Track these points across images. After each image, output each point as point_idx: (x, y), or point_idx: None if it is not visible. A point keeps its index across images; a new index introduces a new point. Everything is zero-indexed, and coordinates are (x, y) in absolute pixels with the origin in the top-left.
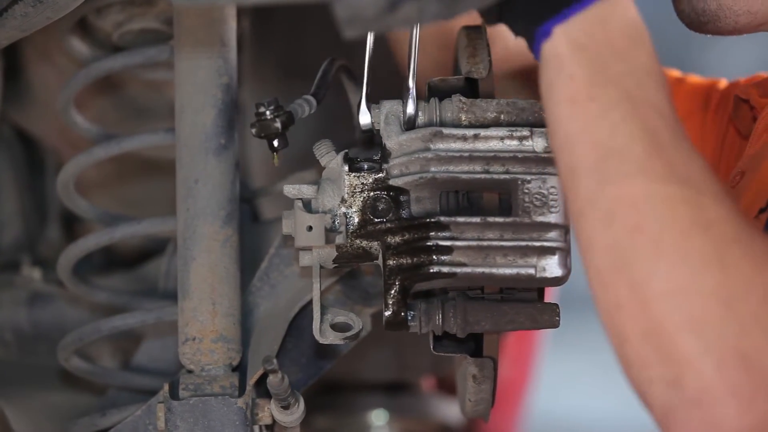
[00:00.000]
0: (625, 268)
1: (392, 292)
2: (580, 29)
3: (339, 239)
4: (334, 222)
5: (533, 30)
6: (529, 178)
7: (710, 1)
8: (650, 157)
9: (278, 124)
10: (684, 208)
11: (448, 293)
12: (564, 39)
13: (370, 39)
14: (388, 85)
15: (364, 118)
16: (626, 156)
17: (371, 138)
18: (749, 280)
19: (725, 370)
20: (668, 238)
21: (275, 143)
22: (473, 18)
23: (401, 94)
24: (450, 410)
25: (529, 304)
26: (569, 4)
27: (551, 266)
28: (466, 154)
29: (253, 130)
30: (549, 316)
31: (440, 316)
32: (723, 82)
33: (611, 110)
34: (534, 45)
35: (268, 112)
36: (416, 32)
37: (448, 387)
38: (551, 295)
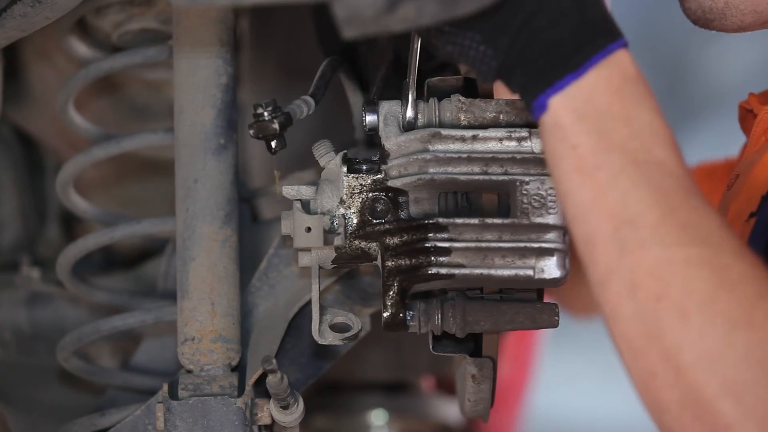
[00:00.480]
0: (654, 338)
1: (391, 293)
2: (578, 98)
3: (337, 240)
4: (332, 223)
5: (530, 102)
6: (527, 179)
7: None
8: (665, 222)
9: (276, 125)
10: (705, 270)
11: (447, 293)
12: (563, 110)
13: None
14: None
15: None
16: (640, 223)
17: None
18: None
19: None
20: (693, 303)
21: (273, 144)
22: None
23: (400, 95)
24: (449, 410)
25: (529, 304)
26: (562, 75)
27: (550, 267)
28: (465, 155)
29: (251, 132)
30: (548, 316)
31: (439, 316)
32: (733, 159)
33: (619, 177)
34: (534, 114)
35: (265, 113)
36: (415, 33)
37: (447, 387)
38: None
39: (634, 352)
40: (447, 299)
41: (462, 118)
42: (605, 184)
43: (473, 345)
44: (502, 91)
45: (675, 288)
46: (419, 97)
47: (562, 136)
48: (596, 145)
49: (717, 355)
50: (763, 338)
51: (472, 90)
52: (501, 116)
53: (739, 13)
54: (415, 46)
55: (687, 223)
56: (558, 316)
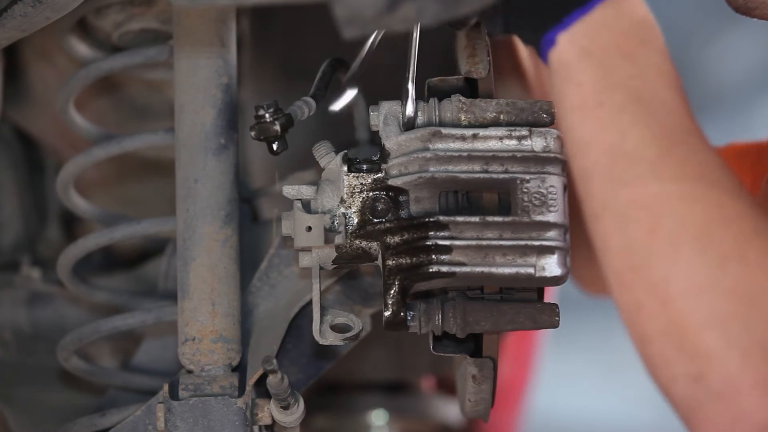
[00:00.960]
0: (642, 269)
1: (391, 292)
2: (584, 35)
3: (338, 239)
4: (333, 222)
5: (539, 39)
6: (528, 177)
7: None
8: (662, 158)
9: (277, 127)
10: (700, 206)
11: (447, 293)
12: (569, 46)
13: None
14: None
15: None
16: (638, 158)
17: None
18: None
19: (750, 363)
20: (685, 236)
21: (274, 146)
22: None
23: (401, 95)
24: (450, 410)
25: (529, 304)
26: (569, 11)
27: (550, 265)
28: (465, 154)
29: (252, 133)
30: (549, 316)
31: (440, 316)
32: (737, 146)
33: (620, 114)
34: (542, 53)
35: (267, 115)
36: (416, 32)
37: (447, 387)
38: (551, 294)
39: (622, 284)
40: (447, 299)
41: (462, 118)
42: (606, 121)
43: (474, 345)
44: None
45: (668, 221)
46: (419, 97)
47: (567, 74)
48: (600, 83)
49: (705, 287)
50: (754, 273)
51: (472, 90)
52: (501, 116)
53: None
54: (414, 45)
55: (685, 160)
56: (558, 317)
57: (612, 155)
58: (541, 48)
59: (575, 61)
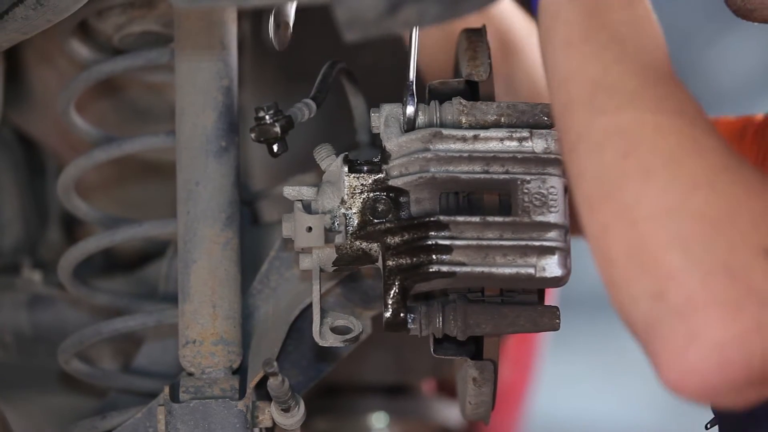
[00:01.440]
0: (613, 192)
1: (392, 292)
2: None
3: (338, 239)
4: (333, 222)
5: None
6: (528, 178)
7: None
8: (642, 90)
9: (278, 129)
10: (675, 136)
11: (448, 296)
12: None
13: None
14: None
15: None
16: (618, 89)
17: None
18: (739, 203)
19: (710, 282)
20: (658, 162)
21: (275, 148)
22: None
23: (402, 97)
24: (450, 413)
25: (530, 306)
26: None
27: (551, 266)
28: (466, 155)
29: (253, 135)
30: (549, 319)
31: (440, 318)
32: (759, 116)
33: (605, 51)
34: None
35: (267, 117)
36: (416, 35)
37: (448, 390)
38: (551, 297)
39: (592, 208)
40: (448, 302)
41: (463, 121)
42: (590, 55)
43: (474, 348)
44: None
45: (643, 147)
46: (420, 100)
47: (557, 12)
48: (588, 22)
49: (672, 210)
50: (722, 201)
51: (473, 93)
52: (502, 119)
53: None
54: (414, 46)
55: (664, 95)
56: (559, 319)
57: (593, 87)
58: None
59: (566, 1)
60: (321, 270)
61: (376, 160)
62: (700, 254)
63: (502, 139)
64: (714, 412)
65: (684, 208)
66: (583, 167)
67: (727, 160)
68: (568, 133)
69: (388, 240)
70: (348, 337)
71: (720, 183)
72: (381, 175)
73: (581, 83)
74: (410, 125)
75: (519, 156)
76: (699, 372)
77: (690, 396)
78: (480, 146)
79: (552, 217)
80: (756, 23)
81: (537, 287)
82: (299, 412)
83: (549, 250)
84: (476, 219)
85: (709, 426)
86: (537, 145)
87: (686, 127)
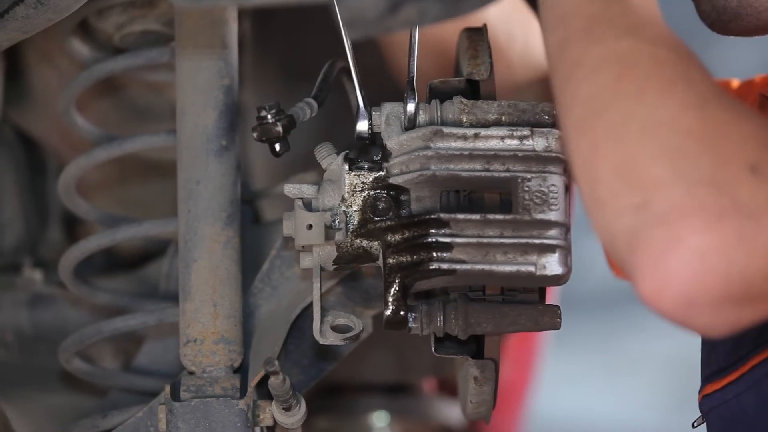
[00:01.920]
0: (604, 111)
1: (392, 290)
2: None
3: (338, 236)
4: (334, 220)
5: None
6: (529, 176)
7: None
8: (642, 26)
9: (280, 128)
10: (670, 66)
11: (449, 295)
12: None
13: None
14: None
15: (361, 124)
16: (617, 22)
17: (366, 145)
18: (727, 124)
19: (695, 192)
20: (651, 84)
21: (277, 147)
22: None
23: (402, 97)
24: (451, 412)
25: (531, 305)
26: None
27: (551, 264)
28: (467, 153)
29: (255, 134)
30: (550, 318)
31: (441, 317)
32: (735, 82)
33: None
34: None
35: (269, 116)
36: (416, 34)
37: (449, 389)
38: (552, 296)
39: (582, 128)
40: (449, 301)
41: (464, 120)
42: None
43: (475, 347)
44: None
45: (637, 71)
46: (421, 99)
47: None
48: None
49: (661, 126)
50: (711, 122)
51: (474, 92)
52: (503, 118)
53: (755, 11)
54: (415, 45)
55: (663, 33)
56: (560, 318)
57: (592, 20)
58: None
59: None
60: (321, 268)
61: (376, 158)
62: (687, 167)
63: (502, 138)
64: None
65: (673, 124)
66: (576, 92)
67: (718, 91)
68: (564, 64)
69: (389, 238)
70: (348, 335)
71: (710, 106)
72: (382, 173)
73: (581, 18)
74: (411, 124)
75: (520, 154)
76: (677, 279)
77: (668, 309)
78: (481, 144)
79: (552, 215)
80: (733, 36)
81: (537, 285)
82: (300, 410)
83: (549, 248)
84: (477, 217)
85: (695, 424)
86: (538, 143)
87: (681, 61)
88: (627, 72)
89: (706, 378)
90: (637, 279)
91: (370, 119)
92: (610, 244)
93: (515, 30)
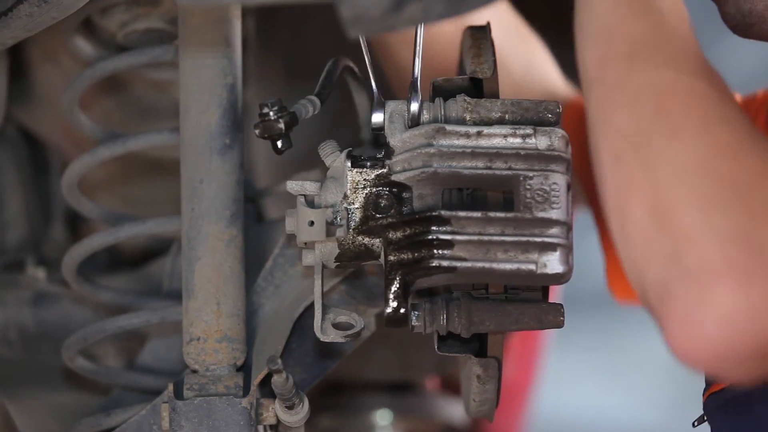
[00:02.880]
0: (641, 148)
1: (393, 287)
2: None
3: (340, 232)
4: (335, 216)
5: None
6: (531, 174)
7: (757, 1)
8: (683, 54)
9: (282, 125)
10: (708, 102)
11: (452, 293)
12: None
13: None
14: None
15: (376, 116)
16: (661, 50)
17: (377, 139)
18: (761, 173)
19: (727, 248)
20: (689, 123)
21: (279, 144)
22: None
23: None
24: (454, 410)
25: (534, 304)
26: None
27: (552, 262)
28: (469, 150)
29: (257, 131)
30: (554, 317)
31: (444, 316)
32: (760, 92)
33: (652, 11)
34: None
35: (271, 113)
36: (421, 32)
37: (452, 387)
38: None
39: (617, 161)
40: (452, 299)
41: (467, 118)
42: (638, 12)
43: (478, 345)
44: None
45: (675, 106)
46: (424, 97)
47: None
48: None
49: (697, 172)
50: (745, 169)
51: (477, 90)
52: (506, 116)
53: None
54: (419, 45)
55: (703, 64)
56: (563, 317)
57: (636, 44)
58: None
59: None
60: (323, 266)
61: (379, 156)
62: (719, 219)
63: (505, 136)
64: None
65: (707, 170)
66: (613, 120)
67: (752, 133)
68: (603, 86)
69: (390, 235)
70: (349, 332)
71: (744, 152)
72: (384, 170)
73: (622, 39)
74: (414, 122)
75: (522, 152)
76: (707, 338)
77: (696, 363)
78: (483, 142)
79: (554, 214)
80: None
81: (538, 284)
82: (303, 409)
83: (550, 247)
84: (478, 214)
85: (696, 424)
86: (540, 141)
87: (717, 96)
88: (665, 106)
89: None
90: (665, 329)
91: (384, 111)
92: (637, 285)
93: (515, 52)
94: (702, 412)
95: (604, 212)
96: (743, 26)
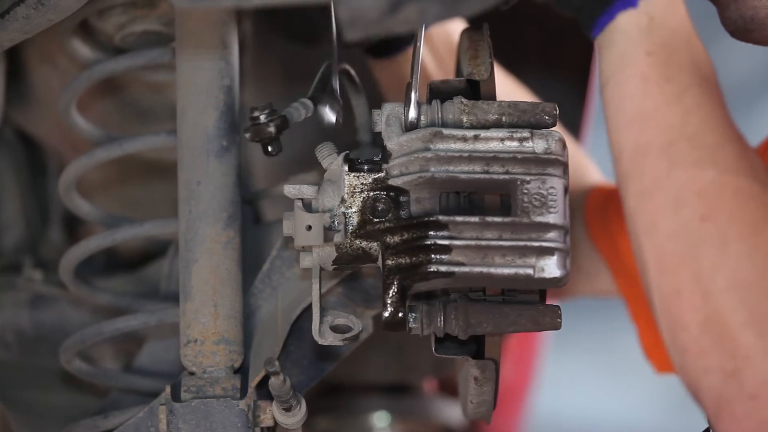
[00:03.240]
0: (690, 257)
1: (391, 291)
2: (659, 7)
3: (337, 238)
4: (333, 221)
5: (598, 16)
6: (528, 178)
7: (760, 9)
8: (722, 147)
9: (272, 129)
10: (753, 203)
11: (449, 295)
12: (637, 18)
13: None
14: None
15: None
16: (698, 143)
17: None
18: None
19: None
20: (736, 230)
21: (269, 148)
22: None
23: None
24: (452, 412)
25: (531, 306)
26: None
27: (550, 267)
28: (466, 155)
29: (248, 135)
30: (551, 318)
31: (442, 318)
32: None
33: (685, 95)
34: (610, 12)
35: (262, 117)
36: (421, 34)
37: (449, 389)
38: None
39: (664, 268)
40: (449, 301)
41: (464, 120)
42: (671, 98)
43: (476, 347)
44: None
45: (721, 212)
46: (421, 99)
47: (634, 43)
48: (668, 59)
49: (750, 286)
50: None
51: (474, 92)
52: (503, 118)
53: None
54: (418, 47)
55: (741, 154)
56: (560, 318)
57: (672, 135)
58: (615, 7)
59: (644, 32)
60: (321, 269)
61: (376, 159)
62: None
63: (502, 139)
64: None
65: (761, 285)
66: (658, 222)
67: None
68: (642, 179)
69: (388, 239)
70: (348, 335)
71: None
72: (381, 174)
73: (659, 128)
74: (411, 125)
75: (519, 156)
76: None
77: None
78: (480, 146)
79: (551, 218)
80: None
81: (535, 288)
82: (301, 411)
83: (548, 251)
84: (475, 219)
85: None
86: (538, 145)
87: (761, 192)
88: (711, 212)
89: None
90: None
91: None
92: (692, 390)
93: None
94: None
95: (632, 295)
96: (743, 31)
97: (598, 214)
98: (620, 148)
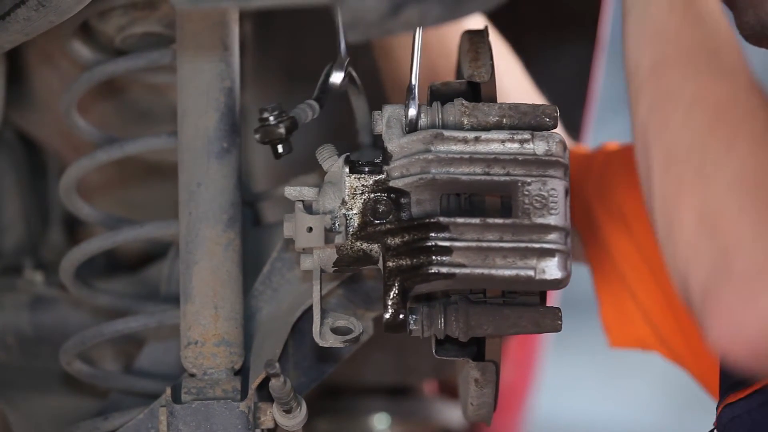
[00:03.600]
0: (695, 155)
1: (391, 293)
2: None
3: (338, 239)
4: (334, 223)
5: None
6: (529, 180)
7: None
8: (738, 67)
9: (282, 130)
10: (762, 118)
11: (450, 297)
12: None
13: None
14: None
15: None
16: (718, 57)
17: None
18: None
19: None
20: (744, 137)
21: (279, 149)
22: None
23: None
24: (452, 414)
25: (532, 308)
26: None
27: (551, 268)
28: (467, 156)
29: (257, 136)
30: (551, 320)
31: (442, 319)
32: (612, 145)
33: (704, 20)
34: None
35: (271, 118)
36: (419, 36)
37: (450, 391)
38: (553, 298)
39: (669, 165)
40: (450, 303)
41: (465, 122)
42: (688, 21)
43: (476, 349)
44: None
45: (732, 119)
46: (422, 101)
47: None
48: None
49: (749, 181)
50: None
51: (475, 94)
52: (504, 120)
53: None
54: (417, 48)
55: (756, 81)
56: (561, 321)
57: (692, 50)
58: None
59: None
60: (322, 271)
61: (377, 161)
62: None
63: (503, 141)
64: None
65: (762, 181)
66: (669, 124)
67: None
68: (657, 89)
69: (389, 241)
70: (348, 337)
71: None
72: (382, 176)
73: (679, 44)
74: (412, 126)
75: (520, 158)
76: (748, 335)
77: (736, 358)
78: (481, 148)
79: (552, 220)
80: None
81: (536, 289)
82: (301, 413)
83: (549, 253)
84: (476, 221)
85: None
86: (538, 147)
87: None
88: (721, 119)
89: (730, 387)
90: (707, 327)
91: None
92: (681, 285)
93: (508, 95)
94: (712, 427)
95: (599, 268)
96: (759, 36)
97: (576, 182)
98: (637, 63)
